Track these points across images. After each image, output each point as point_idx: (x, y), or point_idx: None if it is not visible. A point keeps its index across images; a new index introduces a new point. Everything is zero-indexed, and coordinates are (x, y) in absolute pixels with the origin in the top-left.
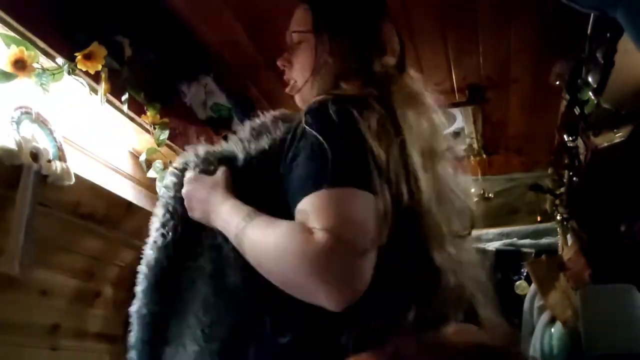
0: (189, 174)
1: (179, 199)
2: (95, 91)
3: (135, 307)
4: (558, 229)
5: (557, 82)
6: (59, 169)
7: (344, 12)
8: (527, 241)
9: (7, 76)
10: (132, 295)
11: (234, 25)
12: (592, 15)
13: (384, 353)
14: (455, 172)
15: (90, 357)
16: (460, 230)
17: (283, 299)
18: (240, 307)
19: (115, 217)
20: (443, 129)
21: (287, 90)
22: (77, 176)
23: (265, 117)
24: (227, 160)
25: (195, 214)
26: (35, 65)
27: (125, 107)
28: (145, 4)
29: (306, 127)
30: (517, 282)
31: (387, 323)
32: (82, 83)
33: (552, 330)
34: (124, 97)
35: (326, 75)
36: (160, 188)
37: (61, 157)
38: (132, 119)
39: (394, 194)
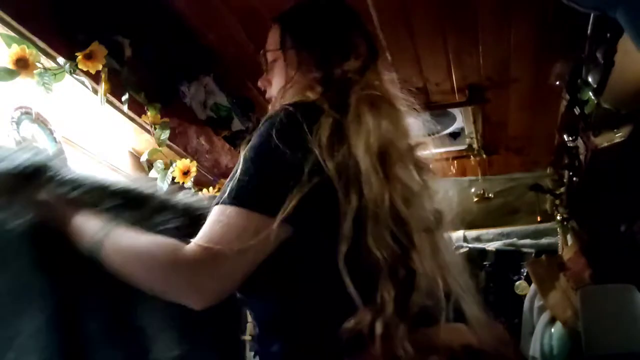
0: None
1: None
2: (95, 91)
3: None
4: (558, 229)
5: (557, 82)
6: None
7: (308, 27)
8: (527, 241)
9: (10, 74)
10: None
11: (234, 25)
12: (592, 15)
13: (375, 355)
14: (423, 173)
15: None
16: (434, 230)
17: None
18: None
19: None
20: (411, 128)
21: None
22: None
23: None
24: None
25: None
26: (36, 64)
27: (125, 107)
28: (145, 4)
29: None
30: (517, 282)
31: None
32: (83, 83)
33: (552, 330)
34: (124, 97)
35: (292, 88)
36: (159, 188)
37: None
38: (132, 119)
39: (344, 197)
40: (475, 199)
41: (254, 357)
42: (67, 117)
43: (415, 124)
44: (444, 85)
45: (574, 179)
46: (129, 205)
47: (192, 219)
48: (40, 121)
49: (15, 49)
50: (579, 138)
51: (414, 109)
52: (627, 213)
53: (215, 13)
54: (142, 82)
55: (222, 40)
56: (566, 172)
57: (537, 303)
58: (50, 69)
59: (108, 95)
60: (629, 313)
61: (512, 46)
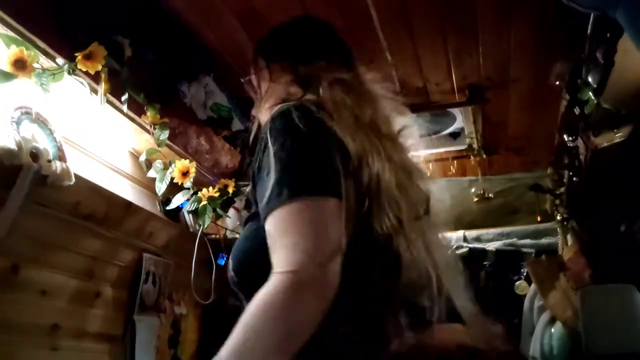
0: None
1: None
2: (95, 91)
3: None
4: (558, 229)
5: (557, 82)
6: (59, 169)
7: (274, 44)
8: (527, 241)
9: (7, 76)
10: (132, 295)
11: (234, 25)
12: (592, 15)
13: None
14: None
15: (90, 357)
16: (424, 219)
17: None
18: None
19: (115, 217)
20: (393, 117)
21: None
22: (77, 176)
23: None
24: None
25: None
26: (35, 65)
27: (125, 107)
28: (145, 4)
29: (269, 135)
30: (517, 282)
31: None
32: (82, 83)
33: (552, 330)
34: (124, 97)
35: (272, 95)
36: (160, 188)
37: (61, 157)
38: (132, 119)
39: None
40: (475, 199)
41: None
42: (67, 117)
43: (400, 118)
44: (444, 85)
45: (574, 179)
46: None
47: None
48: (40, 121)
49: (14, 50)
50: (579, 138)
51: (399, 106)
52: (627, 213)
53: (215, 13)
54: (142, 82)
55: (222, 40)
56: (566, 172)
57: (537, 303)
58: (49, 70)
59: (108, 95)
60: (629, 313)
61: (512, 46)
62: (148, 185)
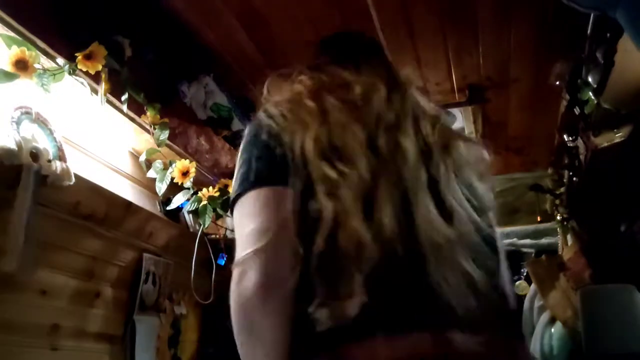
0: None
1: None
2: (95, 91)
3: None
4: (558, 229)
5: (557, 82)
6: (59, 169)
7: None
8: (527, 241)
9: (8, 76)
10: (132, 295)
11: (234, 25)
12: (592, 15)
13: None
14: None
15: (90, 357)
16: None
17: None
18: None
19: (115, 217)
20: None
21: None
22: (77, 176)
23: None
24: None
25: None
26: (36, 65)
27: (125, 107)
28: (145, 4)
29: None
30: (517, 282)
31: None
32: (82, 83)
33: (552, 330)
34: (124, 97)
35: None
36: (160, 188)
37: (61, 157)
38: (132, 119)
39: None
40: None
41: None
42: (67, 117)
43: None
44: (444, 85)
45: (574, 179)
46: None
47: None
48: (40, 121)
49: (15, 51)
50: (579, 138)
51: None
52: (627, 213)
53: (215, 13)
54: (142, 82)
55: (222, 40)
56: (566, 172)
57: (537, 303)
58: (49, 70)
59: (108, 95)
60: (629, 313)
61: (512, 46)
62: (148, 185)
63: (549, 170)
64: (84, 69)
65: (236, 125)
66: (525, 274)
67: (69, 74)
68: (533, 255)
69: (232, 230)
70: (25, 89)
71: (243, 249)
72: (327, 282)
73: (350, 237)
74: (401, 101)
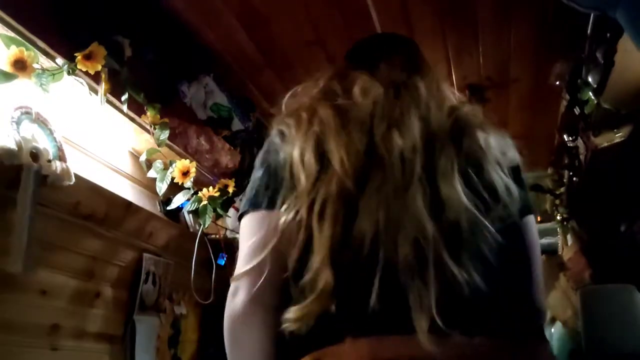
0: None
1: None
2: (95, 91)
3: None
4: (558, 229)
5: (557, 82)
6: (59, 169)
7: None
8: None
9: (7, 76)
10: (132, 295)
11: (234, 25)
12: (592, 15)
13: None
14: None
15: (90, 357)
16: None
17: None
18: None
19: (115, 217)
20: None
21: None
22: (77, 176)
23: None
24: None
25: None
26: (35, 65)
27: (125, 107)
28: (145, 4)
29: None
30: None
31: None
32: (82, 83)
33: (552, 330)
34: (124, 97)
35: None
36: (160, 188)
37: (61, 157)
38: (132, 119)
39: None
40: None
41: None
42: (67, 117)
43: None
44: None
45: (574, 179)
46: None
47: None
48: (40, 121)
49: (14, 51)
50: (579, 138)
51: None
52: (627, 213)
53: (215, 13)
54: (142, 82)
55: (222, 40)
56: (566, 172)
57: None
58: (49, 70)
59: (108, 95)
60: (629, 313)
61: (512, 46)
62: (148, 185)
63: (549, 170)
64: (84, 69)
65: (236, 125)
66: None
67: (68, 74)
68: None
69: (232, 230)
70: (25, 89)
71: (237, 268)
72: (300, 289)
73: (321, 245)
74: (410, 96)
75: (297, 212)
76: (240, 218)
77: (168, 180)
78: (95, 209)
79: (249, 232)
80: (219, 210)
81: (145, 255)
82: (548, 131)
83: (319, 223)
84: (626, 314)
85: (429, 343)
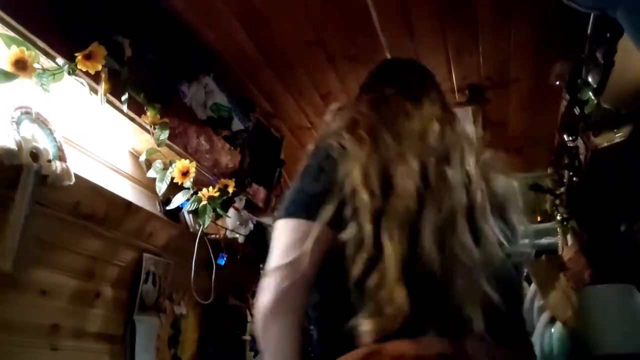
0: None
1: None
2: (95, 91)
3: None
4: (558, 229)
5: (557, 82)
6: (59, 169)
7: None
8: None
9: (7, 76)
10: (132, 295)
11: (234, 25)
12: (592, 15)
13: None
14: None
15: (90, 357)
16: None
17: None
18: None
19: (115, 217)
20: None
21: None
22: (77, 176)
23: None
24: None
25: None
26: (35, 65)
27: (125, 107)
28: (145, 4)
29: None
30: None
31: None
32: (82, 83)
33: (552, 330)
34: (124, 97)
35: None
36: (160, 188)
37: (61, 157)
38: (132, 119)
39: None
40: None
41: (254, 357)
42: (67, 117)
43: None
44: (444, 85)
45: (574, 179)
46: None
47: None
48: (40, 121)
49: (15, 51)
50: (579, 138)
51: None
52: (627, 213)
53: (215, 13)
54: (142, 82)
55: (222, 40)
56: (566, 172)
57: (537, 303)
58: (49, 70)
59: (108, 95)
60: (629, 313)
61: (512, 46)
62: (148, 185)
63: (549, 170)
64: (84, 69)
65: (236, 125)
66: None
67: (69, 74)
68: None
69: (232, 230)
70: (25, 89)
71: (270, 264)
72: (368, 298)
73: (393, 261)
74: (451, 135)
75: (360, 228)
76: (279, 219)
77: (168, 180)
78: (95, 209)
79: (287, 236)
80: (218, 210)
81: (145, 255)
82: (548, 131)
83: (389, 241)
84: (626, 314)
85: (474, 347)
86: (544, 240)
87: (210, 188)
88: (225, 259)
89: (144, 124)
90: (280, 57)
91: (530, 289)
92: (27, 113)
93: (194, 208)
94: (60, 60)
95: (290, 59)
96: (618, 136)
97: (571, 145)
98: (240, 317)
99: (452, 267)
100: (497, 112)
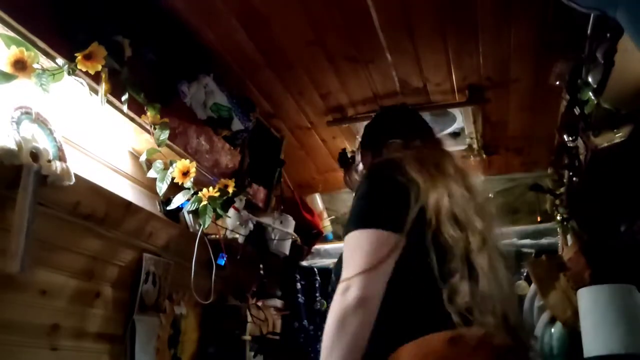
0: None
1: None
2: (95, 91)
3: None
4: (558, 229)
5: (557, 82)
6: (59, 169)
7: (364, 137)
8: (527, 241)
9: (7, 77)
10: (132, 295)
11: (234, 25)
12: (592, 15)
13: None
14: None
15: (90, 357)
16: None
17: None
18: None
19: (115, 217)
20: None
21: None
22: (77, 176)
23: None
24: None
25: None
26: (35, 65)
27: (125, 107)
28: (145, 4)
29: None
30: (517, 282)
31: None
32: (82, 83)
33: (552, 330)
34: (124, 97)
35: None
36: (160, 188)
37: (61, 157)
38: (132, 119)
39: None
40: None
41: (254, 357)
42: (67, 117)
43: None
44: (444, 85)
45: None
46: None
47: None
48: (40, 121)
49: (14, 51)
50: (579, 138)
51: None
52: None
53: (215, 13)
54: (142, 82)
55: (222, 40)
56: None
57: (537, 303)
58: (49, 70)
59: (108, 95)
60: (629, 313)
61: (512, 46)
62: (148, 185)
63: (549, 170)
64: (84, 69)
65: (236, 125)
66: (525, 274)
67: (69, 74)
68: (533, 255)
69: (232, 231)
70: (25, 89)
71: (351, 271)
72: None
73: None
74: (471, 184)
75: (447, 238)
76: (360, 228)
77: (168, 180)
78: (95, 209)
79: (369, 245)
80: (218, 210)
81: (145, 255)
82: (548, 131)
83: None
84: (626, 314)
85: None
86: (544, 240)
87: (211, 188)
88: (225, 259)
89: (144, 124)
90: (280, 57)
91: (530, 289)
92: (27, 113)
93: (194, 208)
94: (60, 61)
95: (290, 59)
96: (618, 136)
97: (571, 145)
98: (240, 317)
99: (495, 277)
100: (497, 112)
